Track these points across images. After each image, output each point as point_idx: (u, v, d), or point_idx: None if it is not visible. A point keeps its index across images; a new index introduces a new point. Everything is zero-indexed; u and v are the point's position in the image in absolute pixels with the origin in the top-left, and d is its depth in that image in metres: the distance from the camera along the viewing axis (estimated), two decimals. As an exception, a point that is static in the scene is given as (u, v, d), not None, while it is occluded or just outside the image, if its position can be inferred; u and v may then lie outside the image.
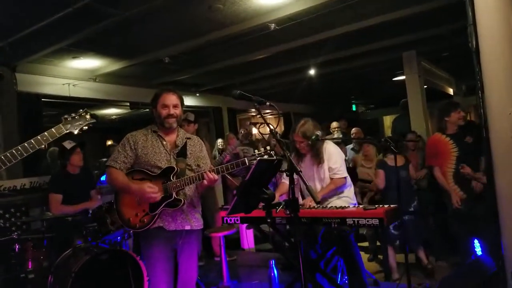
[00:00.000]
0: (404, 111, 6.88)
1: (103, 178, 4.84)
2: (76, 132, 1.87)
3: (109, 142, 9.87)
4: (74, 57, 5.58)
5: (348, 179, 3.29)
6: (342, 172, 3.20)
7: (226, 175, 5.48)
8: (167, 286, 2.50)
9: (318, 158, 3.20)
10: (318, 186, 3.25)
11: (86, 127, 1.94)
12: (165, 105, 2.60)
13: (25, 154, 1.55)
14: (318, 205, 3.01)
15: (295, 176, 1.80)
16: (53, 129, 1.73)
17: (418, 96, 6.79)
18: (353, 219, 2.71)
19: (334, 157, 3.22)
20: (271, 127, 1.96)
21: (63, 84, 6.04)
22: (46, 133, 1.68)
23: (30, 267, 3.20)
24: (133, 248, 3.92)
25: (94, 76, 6.38)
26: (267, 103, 2.10)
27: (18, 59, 5.26)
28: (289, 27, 5.02)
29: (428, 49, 6.83)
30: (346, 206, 3.00)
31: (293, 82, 8.65)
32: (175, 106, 2.62)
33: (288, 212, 1.73)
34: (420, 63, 6.99)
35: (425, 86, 7.13)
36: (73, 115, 1.90)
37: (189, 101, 8.24)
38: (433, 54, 7.35)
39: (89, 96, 6.53)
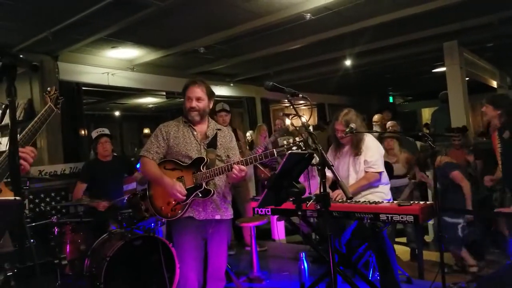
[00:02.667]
0: (443, 104, 6.60)
1: (138, 165, 4.96)
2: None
3: (146, 131, 10.12)
4: (113, 47, 5.73)
5: (384, 175, 3.19)
6: (377, 166, 3.11)
7: (258, 165, 5.51)
8: (197, 274, 2.55)
9: (356, 149, 3.12)
10: (352, 178, 3.17)
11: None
12: (188, 98, 2.61)
13: (36, 133, 1.68)
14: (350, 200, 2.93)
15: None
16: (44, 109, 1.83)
17: (459, 88, 6.49)
18: (387, 215, 2.64)
19: (372, 150, 3.13)
20: (304, 119, 1.92)
21: (102, 73, 6.22)
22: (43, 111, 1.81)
23: (68, 250, 3.36)
24: (166, 235, 4.01)
25: (132, 66, 6.53)
26: (300, 95, 2.06)
27: (60, 48, 5.45)
28: (325, 17, 4.92)
29: (471, 39, 6.48)
30: (380, 201, 2.92)
31: (328, 73, 8.50)
32: (198, 99, 2.61)
33: (318, 207, 1.69)
34: (462, 53, 6.66)
35: (466, 78, 6.80)
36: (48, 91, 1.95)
37: (223, 91, 8.30)
38: (476, 44, 6.98)
39: (126, 85, 6.71)
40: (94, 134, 4.23)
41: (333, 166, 1.68)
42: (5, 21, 4.40)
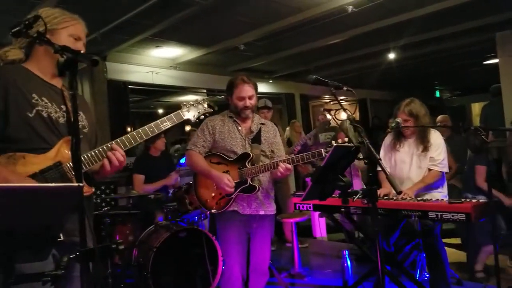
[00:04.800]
0: (495, 98, 6.23)
1: (182, 160, 5.09)
2: (193, 119, 1.94)
3: (187, 128, 10.34)
4: (157, 46, 5.90)
5: (444, 176, 3.06)
6: (443, 165, 2.97)
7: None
8: (240, 267, 2.58)
9: (423, 145, 2.99)
10: (414, 173, 3.04)
11: (203, 116, 2.01)
12: (241, 97, 2.62)
13: (145, 137, 1.65)
14: (401, 197, 2.83)
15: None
16: (172, 115, 1.78)
17: (513, 81, 6.11)
18: (436, 213, 2.52)
19: (440, 148, 2.99)
20: (348, 113, 1.89)
21: (147, 72, 6.43)
22: (165, 118, 1.74)
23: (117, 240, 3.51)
24: (209, 228, 4.10)
25: (174, 64, 6.70)
26: (344, 88, 2.02)
27: (108, 49, 5.69)
28: (367, 9, 4.80)
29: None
30: (429, 198, 2.81)
31: (370, 67, 8.29)
32: (250, 97, 2.63)
33: (365, 202, 1.66)
34: (516, 44, 6.27)
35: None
36: (191, 102, 1.94)
37: (262, 87, 8.31)
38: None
39: (170, 84, 6.89)
40: None
41: (380, 160, 1.64)
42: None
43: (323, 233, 5.46)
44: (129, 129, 6.28)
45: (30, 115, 1.46)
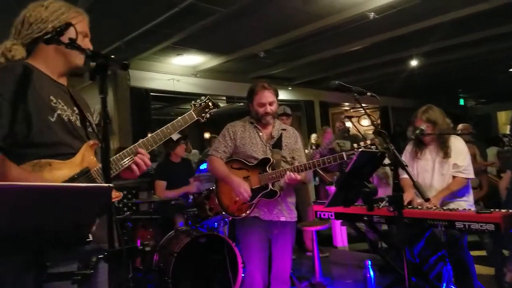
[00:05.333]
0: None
1: (202, 167, 5.12)
2: (202, 119, 1.93)
3: (207, 135, 10.43)
4: (178, 54, 6.00)
5: (469, 183, 2.98)
6: (468, 172, 2.89)
7: (318, 169, 5.43)
8: (261, 274, 2.56)
9: (443, 151, 2.93)
10: (437, 181, 2.97)
11: (209, 115, 2.00)
12: (262, 104, 2.62)
13: (163, 139, 1.68)
14: (429, 206, 2.77)
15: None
16: (186, 115, 1.79)
17: (543, 88, 5.94)
18: (464, 223, 2.44)
19: (464, 154, 2.92)
20: (372, 118, 1.86)
21: (168, 80, 6.54)
22: (180, 119, 1.77)
23: (138, 245, 3.54)
24: (228, 235, 4.09)
25: (195, 72, 6.79)
26: (368, 94, 2.00)
27: (131, 57, 5.82)
28: (389, 16, 4.76)
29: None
30: (456, 208, 2.73)
31: (392, 74, 8.21)
32: (271, 103, 2.63)
33: (391, 209, 1.63)
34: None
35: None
36: (199, 101, 1.93)
37: (281, 95, 8.20)
38: None
39: (190, 91, 6.98)
40: (174, 136, 4.40)
41: (407, 166, 1.60)
42: (84, 32, 4.78)
43: (344, 243, 5.37)
44: (149, 135, 6.36)
45: (51, 119, 1.39)
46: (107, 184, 0.96)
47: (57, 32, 1.36)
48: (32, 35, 1.46)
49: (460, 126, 5.64)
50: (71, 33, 1.41)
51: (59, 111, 1.43)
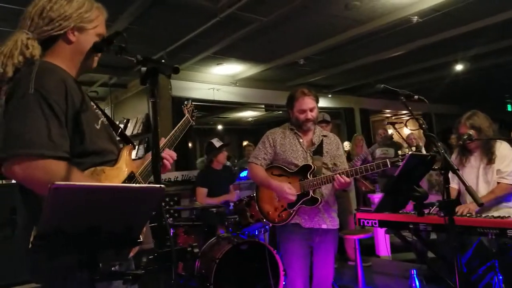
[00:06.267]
0: None
1: (242, 174, 5.16)
2: (194, 123, 2.12)
3: (245, 143, 10.52)
4: (218, 64, 6.11)
5: None
6: None
7: (358, 177, 5.32)
8: (303, 281, 2.53)
9: (488, 157, 2.84)
10: (482, 188, 2.88)
11: (194, 117, 2.15)
12: (302, 110, 2.61)
13: (178, 138, 1.87)
14: (476, 214, 2.65)
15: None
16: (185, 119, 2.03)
17: None
18: (517, 231, 2.31)
19: (508, 160, 2.82)
20: (421, 121, 1.80)
21: (208, 89, 6.66)
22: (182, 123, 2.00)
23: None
24: (269, 242, 4.07)
25: (234, 81, 6.89)
26: (415, 97, 1.94)
27: (173, 67, 5.98)
28: (432, 19, 4.62)
29: None
30: (507, 216, 2.58)
31: (435, 80, 7.93)
32: (311, 110, 2.62)
33: (442, 214, 1.56)
34: None
35: None
36: (188, 105, 2.12)
37: (320, 102, 8.14)
38: None
39: (230, 100, 7.08)
40: (217, 143, 4.47)
41: (458, 170, 1.54)
42: (129, 43, 4.99)
43: (387, 252, 5.20)
44: (190, 144, 6.51)
45: (97, 126, 1.38)
46: (159, 185, 0.99)
47: (107, 41, 1.42)
48: (51, 32, 1.35)
49: (513, 132, 5.34)
50: (99, 29, 1.44)
51: (102, 118, 1.43)
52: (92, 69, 1.52)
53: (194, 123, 2.07)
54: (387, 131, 5.58)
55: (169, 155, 1.68)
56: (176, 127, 1.88)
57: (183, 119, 2.00)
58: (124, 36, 1.40)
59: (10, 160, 1.18)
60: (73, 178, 1.22)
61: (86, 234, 1.02)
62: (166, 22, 4.41)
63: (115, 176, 1.41)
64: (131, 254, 1.29)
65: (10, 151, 1.17)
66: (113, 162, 1.43)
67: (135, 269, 1.11)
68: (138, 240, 1.17)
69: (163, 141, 1.75)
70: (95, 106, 1.46)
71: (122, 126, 6.27)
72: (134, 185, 1.13)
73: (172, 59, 5.48)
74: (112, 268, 1.12)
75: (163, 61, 1.12)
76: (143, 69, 1.13)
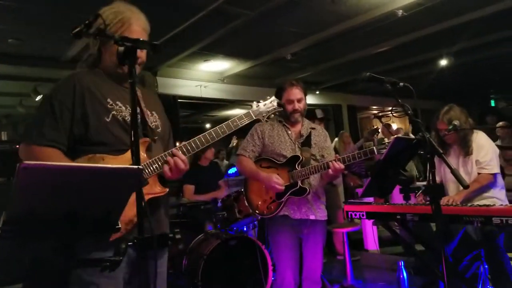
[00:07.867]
0: None
1: (230, 171, 5.13)
2: (263, 119, 1.89)
3: (234, 140, 10.47)
4: (205, 60, 6.06)
5: (499, 178, 2.84)
6: (491, 167, 2.77)
7: (347, 172, 5.34)
8: (293, 273, 2.51)
9: (465, 149, 2.84)
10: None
11: (273, 115, 1.95)
12: (290, 100, 2.61)
13: (216, 138, 1.66)
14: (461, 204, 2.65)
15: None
16: (242, 115, 1.77)
17: None
18: (501, 218, 2.29)
19: (485, 149, 2.81)
20: (406, 107, 1.79)
21: (196, 86, 6.61)
22: (236, 119, 1.73)
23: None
24: (257, 237, 4.05)
25: (222, 78, 6.84)
26: (401, 84, 1.93)
27: (159, 64, 5.92)
28: (417, 13, 4.65)
29: None
30: (492, 204, 2.60)
31: (420, 76, 7.99)
32: (299, 100, 2.62)
33: (427, 200, 1.55)
34: None
35: None
36: (261, 101, 1.91)
37: (308, 99, 8.19)
38: None
39: (218, 97, 7.03)
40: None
41: (443, 153, 1.52)
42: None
43: (375, 246, 5.22)
44: (178, 144, 6.43)
45: (107, 119, 1.52)
46: (136, 166, 0.96)
47: (86, 25, 1.38)
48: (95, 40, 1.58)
49: (500, 123, 5.42)
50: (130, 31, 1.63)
51: (114, 112, 1.55)
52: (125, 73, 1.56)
53: (263, 120, 1.89)
54: (386, 128, 5.58)
55: (173, 161, 1.55)
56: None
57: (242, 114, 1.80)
58: (103, 19, 1.40)
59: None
60: (56, 161, 1.33)
61: (61, 219, 0.98)
62: (151, 17, 4.34)
63: (113, 163, 1.46)
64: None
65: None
66: (122, 152, 1.53)
67: (113, 255, 1.07)
68: (117, 227, 1.13)
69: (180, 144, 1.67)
70: (111, 102, 1.56)
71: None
72: (108, 165, 1.09)
73: (158, 56, 5.42)
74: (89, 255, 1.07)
75: (141, 39, 1.08)
76: (121, 48, 1.09)
